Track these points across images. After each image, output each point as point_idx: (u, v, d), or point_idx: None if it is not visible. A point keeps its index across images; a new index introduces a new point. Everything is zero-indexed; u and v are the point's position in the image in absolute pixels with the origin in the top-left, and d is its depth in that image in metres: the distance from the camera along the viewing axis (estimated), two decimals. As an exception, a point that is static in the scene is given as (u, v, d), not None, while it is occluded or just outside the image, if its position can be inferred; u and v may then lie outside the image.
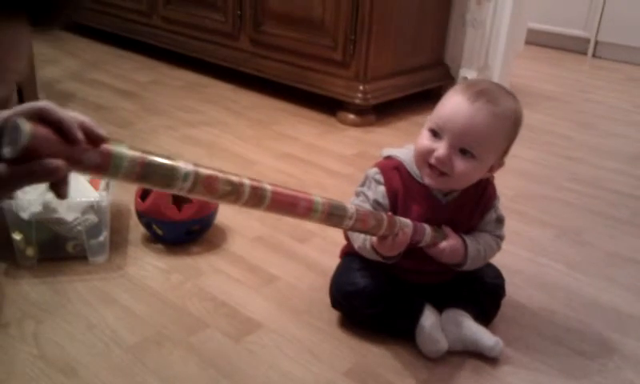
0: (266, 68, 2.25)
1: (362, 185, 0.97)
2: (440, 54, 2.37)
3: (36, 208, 1.07)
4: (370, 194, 0.95)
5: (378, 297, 0.97)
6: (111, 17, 2.77)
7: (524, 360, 0.97)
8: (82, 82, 2.28)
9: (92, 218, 1.11)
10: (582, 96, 2.72)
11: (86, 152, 0.50)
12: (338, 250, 1.09)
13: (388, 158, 0.98)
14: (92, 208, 1.10)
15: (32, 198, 1.07)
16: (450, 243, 0.93)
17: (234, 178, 0.62)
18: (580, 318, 1.09)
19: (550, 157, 1.91)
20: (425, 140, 0.91)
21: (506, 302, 1.05)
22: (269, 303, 1.06)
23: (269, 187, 0.66)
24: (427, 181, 0.92)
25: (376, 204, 0.94)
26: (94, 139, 0.50)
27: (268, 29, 2.21)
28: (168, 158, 0.56)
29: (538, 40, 3.61)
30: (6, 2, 0.33)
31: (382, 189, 0.94)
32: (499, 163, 0.94)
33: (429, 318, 0.96)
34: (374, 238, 0.89)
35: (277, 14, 2.17)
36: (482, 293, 1.00)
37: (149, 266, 1.15)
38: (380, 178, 0.95)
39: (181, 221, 1.18)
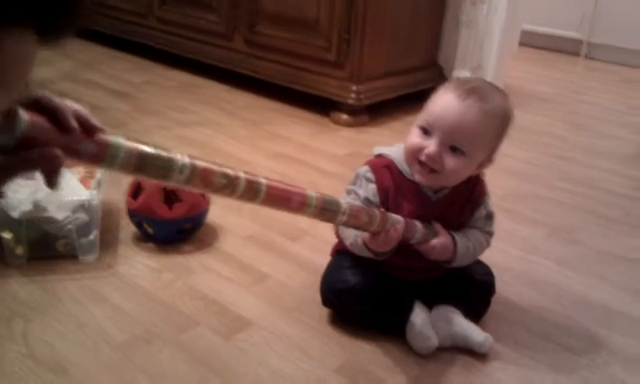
0: (260, 68, 2.25)
1: (353, 183, 0.98)
2: (433, 55, 2.38)
3: (26, 207, 1.06)
4: (361, 192, 0.95)
5: (368, 294, 0.97)
6: (106, 18, 2.77)
7: (513, 356, 0.97)
8: (76, 83, 2.27)
9: (82, 216, 1.10)
10: (575, 97, 2.73)
11: (83, 141, 0.50)
12: (329, 249, 1.09)
13: (379, 156, 0.98)
14: (82, 207, 1.10)
15: (22, 197, 1.07)
16: (439, 241, 0.93)
17: (230, 172, 0.63)
18: (569, 315, 1.09)
19: (543, 157, 1.91)
20: (415, 137, 0.91)
21: (495, 299, 1.05)
22: (259, 301, 1.06)
23: (264, 181, 0.67)
24: (418, 178, 0.93)
25: (367, 202, 0.94)
26: (88, 129, 0.50)
27: (262, 29, 2.22)
28: (165, 149, 0.56)
29: (531, 42, 3.62)
30: (13, 10, 0.33)
31: (372, 187, 0.94)
32: (489, 160, 0.94)
33: (419, 315, 0.96)
34: (366, 234, 0.89)
35: (271, 14, 2.17)
36: (471, 290, 1.01)
37: (139, 265, 1.14)
38: (371, 176, 0.95)
39: (172, 219, 1.18)
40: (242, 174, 0.64)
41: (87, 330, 0.95)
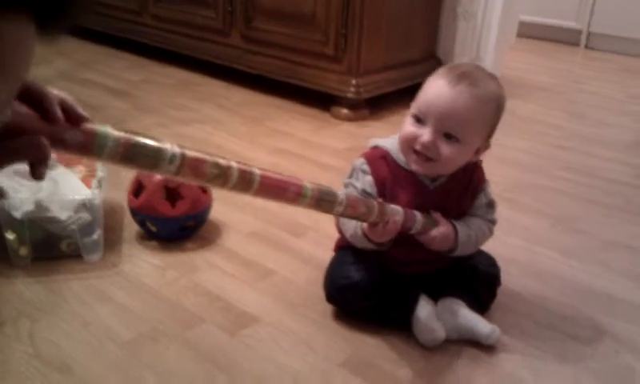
0: (257, 64, 2.24)
1: (350, 176, 0.98)
2: (432, 47, 2.38)
3: (28, 207, 1.06)
4: (358, 185, 0.95)
5: (372, 290, 0.97)
6: (102, 16, 2.76)
7: (519, 346, 0.97)
8: (73, 82, 2.27)
9: (85, 216, 1.10)
10: (575, 87, 2.73)
11: (69, 130, 0.48)
12: (332, 244, 1.09)
13: (375, 147, 0.98)
14: (85, 206, 1.10)
15: (24, 197, 1.07)
16: (440, 231, 0.93)
17: (222, 161, 0.61)
18: (574, 304, 1.09)
19: (544, 147, 1.91)
20: (409, 126, 0.91)
21: (500, 291, 1.05)
22: (264, 297, 1.06)
23: (257, 171, 0.65)
24: (414, 167, 0.92)
25: (364, 194, 0.93)
26: (75, 118, 0.49)
27: (259, 25, 2.21)
28: (154, 139, 0.55)
29: (530, 32, 3.61)
30: None
31: (369, 178, 0.94)
32: (485, 146, 0.94)
33: (424, 308, 0.96)
34: (365, 225, 0.89)
35: (267, 9, 2.16)
36: (476, 281, 1.01)
37: (143, 263, 1.14)
38: (367, 167, 0.95)
39: (174, 217, 1.17)
40: (234, 164, 0.62)
41: (93, 329, 0.95)
